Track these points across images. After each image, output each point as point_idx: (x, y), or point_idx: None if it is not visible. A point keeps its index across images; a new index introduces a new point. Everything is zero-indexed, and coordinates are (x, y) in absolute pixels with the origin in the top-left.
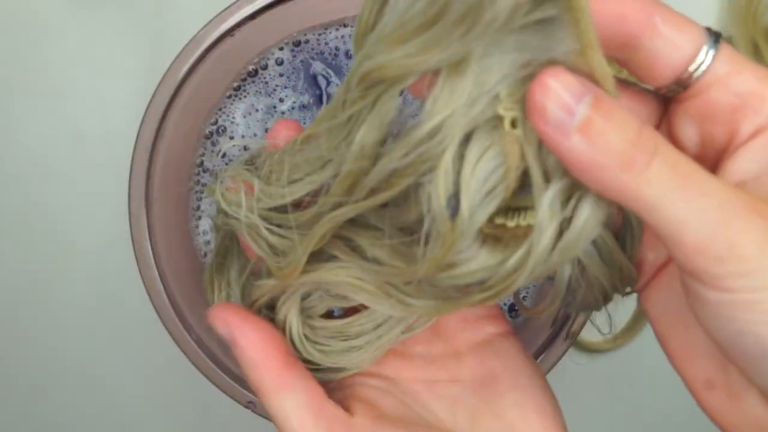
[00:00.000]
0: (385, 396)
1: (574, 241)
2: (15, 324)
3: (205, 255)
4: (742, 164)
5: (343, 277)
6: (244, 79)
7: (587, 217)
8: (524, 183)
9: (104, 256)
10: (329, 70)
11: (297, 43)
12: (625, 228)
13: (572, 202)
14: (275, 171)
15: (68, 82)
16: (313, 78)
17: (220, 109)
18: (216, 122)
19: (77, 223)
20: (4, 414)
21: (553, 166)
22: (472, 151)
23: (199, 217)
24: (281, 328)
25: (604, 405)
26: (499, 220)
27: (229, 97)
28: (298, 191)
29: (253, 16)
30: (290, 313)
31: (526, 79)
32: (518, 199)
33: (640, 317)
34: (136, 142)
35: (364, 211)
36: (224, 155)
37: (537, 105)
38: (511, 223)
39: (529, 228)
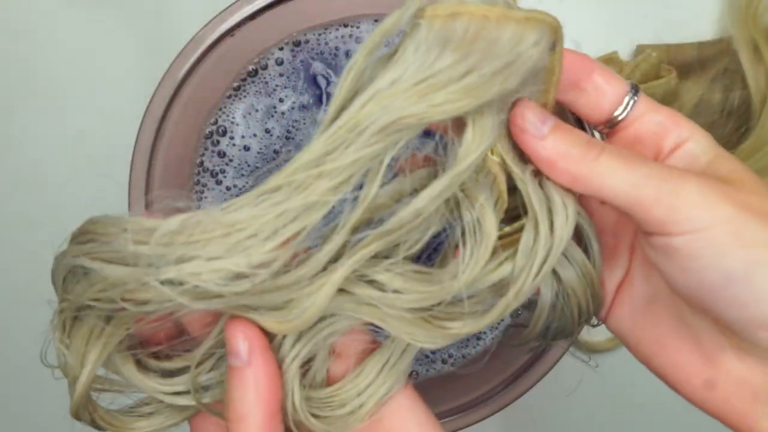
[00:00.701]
0: None
1: (561, 226)
2: (14, 324)
3: None
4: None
5: (374, 312)
6: (244, 79)
7: (562, 204)
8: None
9: None
10: (329, 70)
11: (297, 43)
12: (588, 255)
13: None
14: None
15: (68, 82)
16: (313, 78)
17: (220, 109)
18: (216, 122)
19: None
20: (4, 414)
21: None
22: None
23: None
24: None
25: (604, 405)
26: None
27: (229, 97)
28: (273, 243)
29: (253, 16)
30: (293, 382)
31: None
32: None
33: None
34: (136, 142)
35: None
36: (224, 155)
37: (518, 122)
38: (509, 228)
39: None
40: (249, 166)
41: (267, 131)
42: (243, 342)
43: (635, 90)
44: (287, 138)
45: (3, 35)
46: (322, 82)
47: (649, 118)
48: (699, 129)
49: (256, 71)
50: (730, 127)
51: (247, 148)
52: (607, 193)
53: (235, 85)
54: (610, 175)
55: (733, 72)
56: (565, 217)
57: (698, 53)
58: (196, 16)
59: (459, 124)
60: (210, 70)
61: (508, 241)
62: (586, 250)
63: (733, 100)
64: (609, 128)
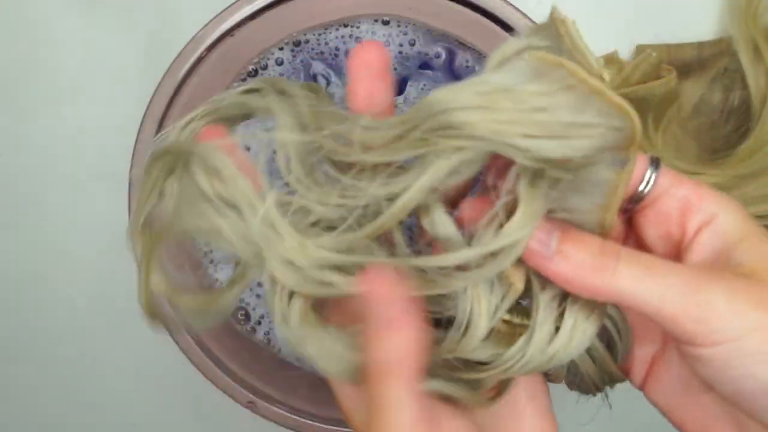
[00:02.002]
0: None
1: (564, 344)
2: (14, 324)
3: (205, 255)
4: (696, 256)
5: None
6: (244, 79)
7: (573, 325)
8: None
9: (104, 257)
10: (329, 70)
11: (297, 43)
12: (615, 339)
13: (562, 311)
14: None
15: (68, 82)
16: (313, 78)
17: None
18: None
19: (77, 223)
20: (4, 414)
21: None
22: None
23: None
24: None
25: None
26: (505, 316)
27: None
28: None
29: (253, 16)
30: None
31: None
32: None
33: None
34: (136, 142)
35: None
36: None
37: (530, 249)
38: (516, 320)
39: (525, 328)
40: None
41: (266, 131)
42: (386, 303)
43: (656, 163)
44: None
45: (3, 35)
46: (322, 82)
47: (674, 193)
48: (727, 201)
49: (256, 71)
50: (730, 127)
51: (247, 148)
52: (630, 304)
53: (235, 85)
54: (632, 286)
55: (733, 72)
56: (568, 340)
57: (698, 53)
58: (196, 16)
59: (512, 206)
60: (210, 70)
61: (508, 330)
62: (609, 345)
63: (733, 100)
64: (634, 204)
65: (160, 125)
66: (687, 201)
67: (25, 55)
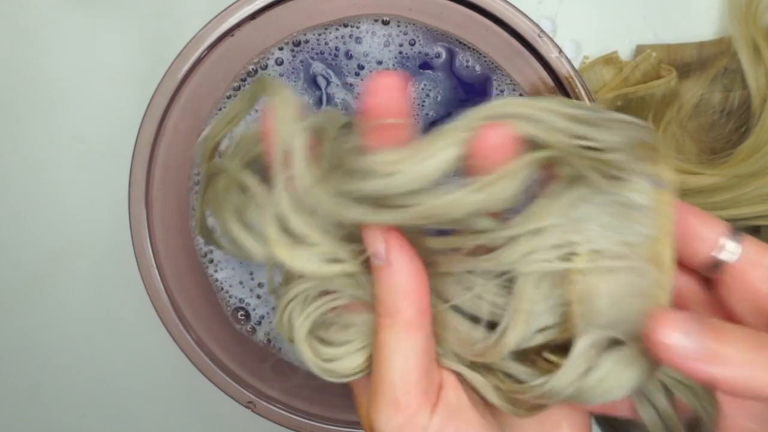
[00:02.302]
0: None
1: (589, 388)
2: (14, 324)
3: (205, 255)
4: None
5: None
6: (244, 79)
7: (609, 371)
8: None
9: (104, 256)
10: (329, 70)
11: (297, 43)
12: (701, 418)
13: (600, 354)
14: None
15: (68, 82)
16: (313, 78)
17: (220, 109)
18: None
19: (77, 223)
20: (4, 414)
21: (598, 320)
22: (542, 290)
23: None
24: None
25: None
26: (547, 354)
27: (229, 97)
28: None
29: (253, 16)
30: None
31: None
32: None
33: None
34: (136, 142)
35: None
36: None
37: (667, 346)
38: (552, 358)
39: (558, 367)
40: None
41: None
42: (380, 242)
43: (737, 233)
44: None
45: (3, 35)
46: (322, 83)
47: (763, 265)
48: None
49: (256, 71)
50: (730, 127)
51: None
52: (739, 395)
53: (235, 85)
54: (744, 375)
55: (733, 72)
56: (597, 383)
57: (698, 53)
58: (196, 16)
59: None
60: (210, 70)
61: (543, 362)
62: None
63: (733, 100)
64: (711, 272)
65: (160, 125)
66: None
67: (24, 55)
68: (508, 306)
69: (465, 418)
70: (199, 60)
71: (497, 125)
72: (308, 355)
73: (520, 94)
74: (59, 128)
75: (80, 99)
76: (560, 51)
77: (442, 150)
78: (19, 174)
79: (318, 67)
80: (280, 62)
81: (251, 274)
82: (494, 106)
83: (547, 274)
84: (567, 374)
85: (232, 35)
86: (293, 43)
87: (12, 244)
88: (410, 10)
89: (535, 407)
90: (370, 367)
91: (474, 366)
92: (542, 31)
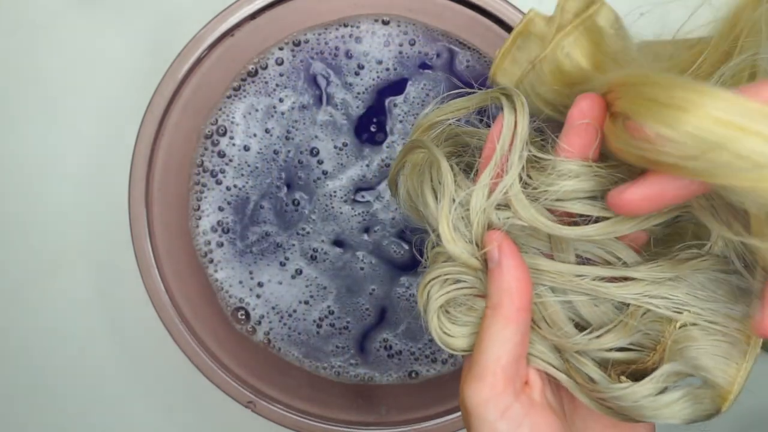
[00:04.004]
0: (553, 396)
1: (657, 406)
2: (14, 324)
3: (205, 255)
4: None
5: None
6: (244, 79)
7: (670, 401)
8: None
9: (104, 256)
10: (329, 70)
11: (297, 43)
12: None
13: (677, 382)
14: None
15: (68, 82)
16: (313, 78)
17: (220, 109)
18: (216, 122)
19: (77, 223)
20: (4, 414)
21: (684, 357)
22: (646, 318)
23: (199, 217)
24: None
25: None
26: (621, 376)
27: (229, 97)
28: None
29: (253, 16)
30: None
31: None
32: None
33: None
34: (136, 142)
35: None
36: (224, 155)
37: None
38: (625, 380)
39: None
40: (249, 166)
41: (267, 131)
42: (495, 249)
43: None
44: (287, 138)
45: (3, 35)
46: (322, 82)
47: None
48: None
49: (256, 71)
50: None
51: (247, 148)
52: None
53: (235, 85)
54: None
55: None
56: (659, 407)
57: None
58: (196, 16)
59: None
60: (210, 70)
61: (619, 377)
62: None
63: None
64: None
65: (160, 125)
66: None
67: (24, 55)
68: (617, 316)
69: (543, 415)
70: (199, 60)
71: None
72: (434, 325)
73: None
74: (59, 128)
75: (80, 99)
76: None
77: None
78: (19, 174)
79: (318, 66)
80: (280, 62)
81: (251, 273)
82: None
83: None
84: (644, 386)
85: (232, 35)
86: (293, 43)
87: (12, 244)
88: (410, 10)
89: (616, 412)
90: None
91: (561, 366)
92: None
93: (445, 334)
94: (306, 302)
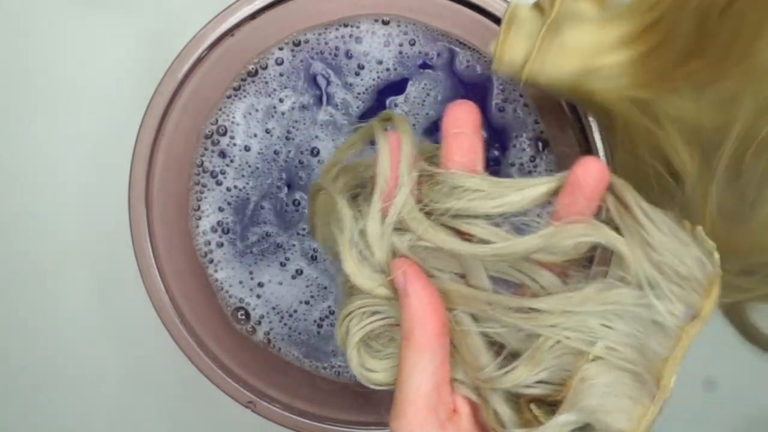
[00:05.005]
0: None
1: None
2: (14, 324)
3: (205, 255)
4: None
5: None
6: (244, 79)
7: None
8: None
9: (104, 257)
10: (329, 70)
11: (297, 43)
12: None
13: None
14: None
15: (68, 82)
16: (313, 78)
17: (220, 109)
18: (216, 122)
19: (77, 223)
20: (4, 414)
21: (585, 403)
22: (555, 351)
23: (199, 218)
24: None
25: None
26: (533, 406)
27: (229, 97)
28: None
29: (253, 16)
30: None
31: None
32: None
33: None
34: (136, 142)
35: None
36: (224, 155)
37: None
38: (536, 412)
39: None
40: (249, 166)
41: (267, 131)
42: (400, 276)
43: None
44: (287, 138)
45: (2, 35)
46: (322, 82)
47: None
48: None
49: (256, 71)
50: None
51: (247, 149)
52: None
53: (235, 85)
54: None
55: None
56: None
57: None
58: (196, 16)
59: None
60: (210, 70)
61: (528, 416)
62: None
63: None
64: None
65: (160, 125)
66: None
67: (24, 55)
68: (523, 353)
69: None
70: (199, 60)
71: (597, 159)
72: (354, 361)
73: (520, 94)
74: (59, 128)
75: (80, 99)
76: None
77: (539, 184)
78: (19, 174)
79: (318, 66)
80: (280, 62)
81: (251, 274)
82: None
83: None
84: None
85: (232, 35)
86: (293, 43)
87: (12, 244)
88: (410, 10)
89: None
90: None
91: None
92: None
93: (366, 370)
94: (306, 302)
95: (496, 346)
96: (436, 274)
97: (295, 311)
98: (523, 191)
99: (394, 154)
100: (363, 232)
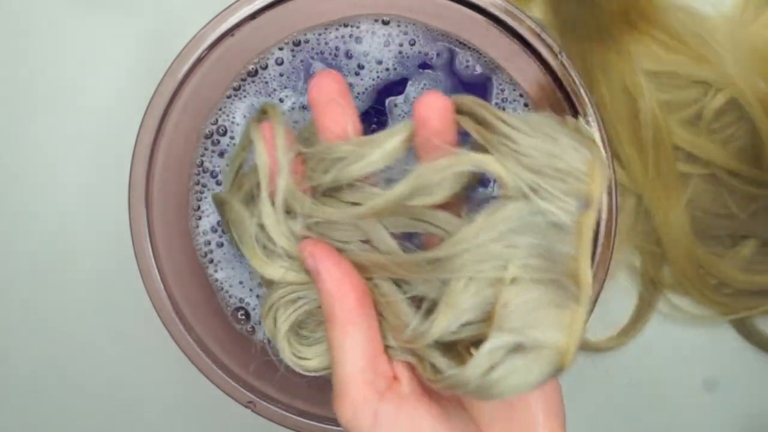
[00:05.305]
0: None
1: (489, 385)
2: (15, 324)
3: (205, 255)
4: None
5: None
6: (244, 79)
7: (502, 376)
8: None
9: (104, 256)
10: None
11: (297, 43)
12: None
13: (505, 355)
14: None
15: (68, 82)
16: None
17: (220, 109)
18: (216, 122)
19: (77, 223)
20: (4, 414)
21: (511, 325)
22: (470, 289)
23: (199, 217)
24: None
25: (603, 404)
26: (473, 349)
27: (229, 97)
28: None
29: (253, 16)
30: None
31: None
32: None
33: (640, 317)
34: (136, 142)
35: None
36: (224, 155)
37: None
38: (475, 352)
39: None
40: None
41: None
42: (308, 256)
43: None
44: None
45: (2, 35)
46: None
47: None
48: None
49: (256, 71)
50: None
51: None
52: None
53: (235, 85)
54: None
55: None
56: (494, 382)
57: None
58: (196, 16)
59: None
60: (210, 70)
61: (462, 353)
62: None
63: None
64: None
65: (160, 125)
66: None
67: (24, 55)
68: (440, 300)
69: (416, 406)
70: (199, 60)
71: (436, 93)
72: (286, 352)
73: (520, 94)
74: (59, 128)
75: (80, 99)
76: (561, 50)
77: (393, 134)
78: (19, 174)
79: (318, 66)
80: (280, 62)
81: (251, 274)
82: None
83: (480, 276)
84: (471, 370)
85: (232, 35)
86: (293, 43)
87: (12, 244)
88: (410, 10)
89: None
90: None
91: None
92: (543, 30)
93: (299, 358)
94: None
95: (426, 303)
96: (343, 247)
97: None
98: (382, 146)
99: (269, 143)
100: (261, 226)
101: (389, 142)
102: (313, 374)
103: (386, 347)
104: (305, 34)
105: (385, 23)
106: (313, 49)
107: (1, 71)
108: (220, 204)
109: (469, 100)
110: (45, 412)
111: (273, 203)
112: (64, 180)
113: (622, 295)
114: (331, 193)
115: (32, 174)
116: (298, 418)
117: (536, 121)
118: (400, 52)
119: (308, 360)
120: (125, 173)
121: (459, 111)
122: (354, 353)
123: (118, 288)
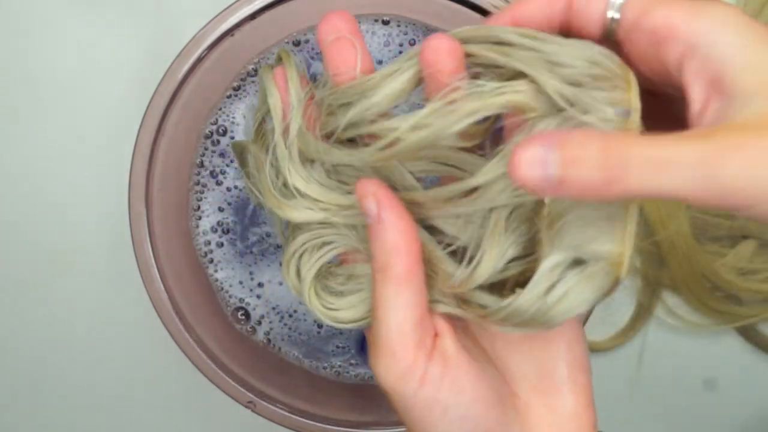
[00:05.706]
0: (466, 335)
1: (551, 306)
2: (15, 324)
3: (205, 255)
4: (695, 103)
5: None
6: (244, 79)
7: (560, 295)
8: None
9: (104, 256)
10: None
11: (297, 43)
12: None
13: (563, 273)
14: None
15: (68, 82)
16: (313, 78)
17: (220, 109)
18: (216, 122)
19: (77, 223)
20: (4, 414)
21: (565, 242)
22: (511, 224)
23: (199, 217)
24: None
25: (603, 404)
26: (519, 289)
27: (229, 97)
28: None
29: (253, 16)
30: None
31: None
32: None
33: (639, 317)
34: (136, 142)
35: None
36: (224, 155)
37: (517, 172)
38: (521, 291)
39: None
40: None
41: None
42: (372, 201)
43: None
44: None
45: (2, 35)
46: None
47: (641, 27)
48: (715, 21)
49: (256, 71)
50: None
51: None
52: (652, 196)
53: (235, 84)
54: (645, 188)
55: None
56: (556, 302)
57: None
58: (196, 16)
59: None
60: (210, 70)
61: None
62: None
63: None
64: (610, 37)
65: (160, 125)
66: (657, 32)
67: (24, 55)
68: (482, 241)
69: (459, 365)
70: (199, 60)
71: (439, 35)
72: (315, 302)
73: None
74: (59, 128)
75: (80, 99)
76: None
77: (402, 71)
78: (19, 174)
79: (318, 66)
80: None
81: (251, 274)
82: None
83: (518, 210)
84: (530, 292)
85: (232, 35)
86: (293, 43)
87: (12, 244)
88: (410, 10)
89: (526, 326)
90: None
91: (459, 303)
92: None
93: (330, 309)
94: None
95: (468, 251)
96: None
97: (295, 311)
98: (384, 89)
99: (282, 86)
100: (277, 169)
101: (393, 85)
102: (345, 326)
103: (429, 302)
104: (305, 34)
105: (385, 23)
106: (313, 49)
107: (1, 71)
108: (239, 151)
109: (486, 29)
110: (45, 411)
111: (286, 144)
112: (64, 180)
113: (622, 295)
114: (340, 136)
115: (32, 174)
116: (298, 418)
117: (554, 35)
118: (401, 52)
119: (341, 311)
120: (125, 173)
121: (467, 44)
122: (405, 313)
123: (118, 288)
